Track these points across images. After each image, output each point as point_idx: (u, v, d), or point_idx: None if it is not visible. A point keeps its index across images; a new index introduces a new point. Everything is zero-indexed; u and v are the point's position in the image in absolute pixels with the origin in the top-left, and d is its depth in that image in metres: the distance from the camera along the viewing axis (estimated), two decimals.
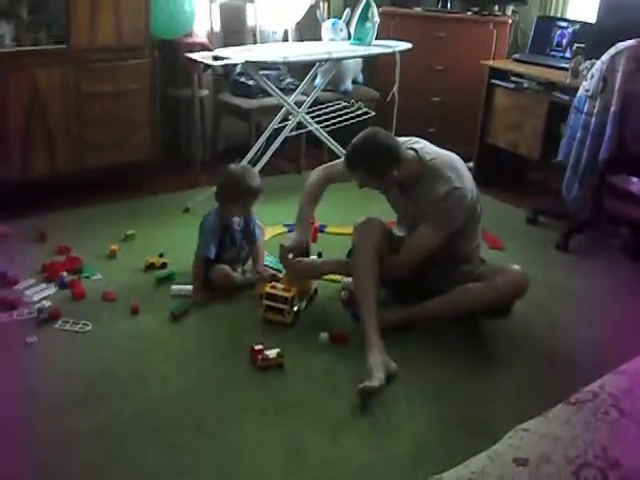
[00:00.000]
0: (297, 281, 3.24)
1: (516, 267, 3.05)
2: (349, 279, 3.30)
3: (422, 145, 3.13)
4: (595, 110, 3.80)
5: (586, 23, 4.87)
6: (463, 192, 3.01)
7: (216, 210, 3.45)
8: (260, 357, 2.82)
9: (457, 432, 2.57)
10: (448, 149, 3.22)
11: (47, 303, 3.15)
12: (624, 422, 1.77)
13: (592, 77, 3.84)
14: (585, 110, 3.86)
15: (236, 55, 4.04)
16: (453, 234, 3.06)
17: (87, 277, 3.46)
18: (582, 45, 4.50)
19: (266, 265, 3.57)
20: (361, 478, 2.32)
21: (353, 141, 3.04)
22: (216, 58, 4.01)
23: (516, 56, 5.08)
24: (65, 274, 3.41)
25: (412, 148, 3.09)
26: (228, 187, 3.39)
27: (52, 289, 3.32)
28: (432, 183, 3.01)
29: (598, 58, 3.95)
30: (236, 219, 3.47)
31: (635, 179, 4.60)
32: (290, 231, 3.88)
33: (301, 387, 2.76)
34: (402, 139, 3.14)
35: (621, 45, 3.72)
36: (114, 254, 3.70)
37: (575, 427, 1.77)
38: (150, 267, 3.58)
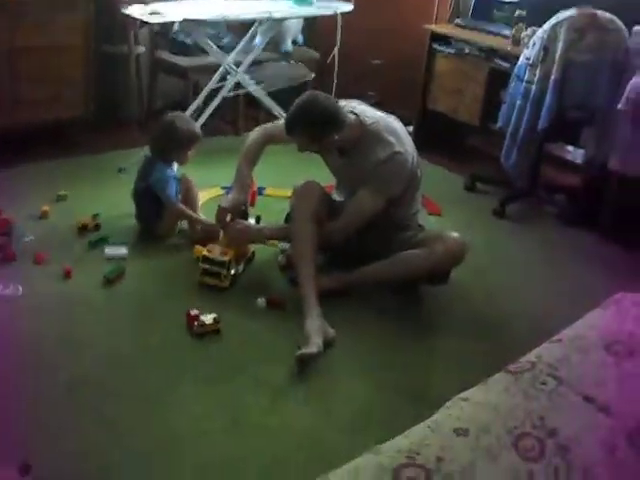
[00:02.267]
0: (235, 245, 3.18)
1: (454, 234, 3.05)
2: (287, 244, 3.27)
3: (363, 109, 3.10)
4: (535, 78, 3.80)
5: None
6: (404, 156, 2.99)
7: (155, 160, 3.44)
8: (196, 323, 2.78)
9: (395, 398, 2.57)
10: (388, 112, 3.19)
11: None
12: (561, 390, 1.79)
13: (533, 45, 3.84)
14: (526, 78, 3.87)
15: (174, 11, 3.93)
16: (393, 200, 3.04)
17: (17, 239, 3.34)
18: (523, 12, 4.50)
19: None
20: (301, 444, 2.31)
21: (293, 104, 2.98)
22: (153, 14, 3.89)
23: (458, 21, 5.05)
24: None
25: (352, 112, 3.05)
26: (167, 136, 3.40)
27: None
28: (373, 147, 2.98)
29: (539, 26, 3.96)
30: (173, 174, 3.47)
31: (571, 147, 4.65)
32: (228, 193, 3.82)
33: (239, 353, 2.74)
34: (342, 102, 3.09)
35: (562, 14, 3.73)
36: (46, 215, 3.59)
37: (514, 396, 1.78)
38: (83, 229, 3.48)
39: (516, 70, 3.99)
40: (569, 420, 1.67)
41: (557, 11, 3.80)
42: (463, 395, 1.83)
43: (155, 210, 3.45)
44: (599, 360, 1.93)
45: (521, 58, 3.96)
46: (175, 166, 3.51)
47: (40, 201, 3.68)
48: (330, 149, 3.06)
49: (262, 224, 3.46)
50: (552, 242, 3.98)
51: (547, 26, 3.77)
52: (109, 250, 3.29)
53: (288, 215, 3.24)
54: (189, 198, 3.54)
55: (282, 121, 3.25)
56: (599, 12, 3.66)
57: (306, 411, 2.47)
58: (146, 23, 4.43)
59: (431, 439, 1.62)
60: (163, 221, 3.46)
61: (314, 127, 2.93)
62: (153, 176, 3.41)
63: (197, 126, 3.46)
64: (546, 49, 3.74)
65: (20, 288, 2.97)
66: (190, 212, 3.46)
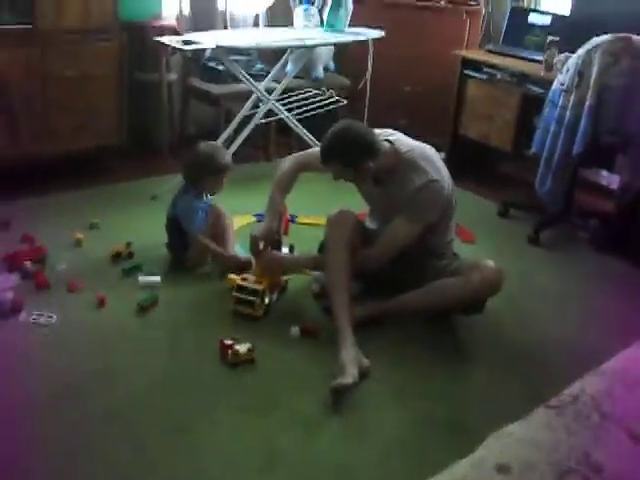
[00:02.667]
0: (269, 275, 3.17)
1: (491, 263, 3.02)
2: (320, 272, 3.25)
3: (397, 137, 3.09)
4: (570, 104, 3.77)
5: (560, 15, 4.85)
6: (440, 184, 2.97)
7: (185, 190, 3.45)
8: (230, 352, 2.76)
9: (430, 431, 2.53)
10: (419, 139, 3.18)
11: (10, 294, 3.05)
12: (606, 425, 1.76)
13: (567, 71, 3.82)
14: (560, 104, 3.83)
15: (206, 39, 3.96)
16: (428, 227, 3.02)
17: (51, 267, 3.36)
18: (556, 38, 4.48)
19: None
20: (336, 478, 2.28)
21: (328, 133, 2.98)
22: (186, 42, 3.92)
23: (489, 47, 5.05)
24: (29, 264, 3.30)
25: (387, 140, 3.04)
26: (199, 164, 3.41)
27: (15, 279, 3.21)
28: (408, 175, 2.97)
29: (572, 51, 3.94)
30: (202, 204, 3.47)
31: (605, 173, 4.61)
32: (260, 221, 3.82)
33: (273, 383, 2.71)
34: (377, 131, 3.09)
35: (597, 39, 3.70)
36: (79, 243, 3.61)
37: (557, 432, 1.74)
38: (117, 257, 3.49)
39: (550, 95, 3.96)
40: (615, 457, 1.64)
41: (590, 36, 3.78)
42: (504, 430, 1.80)
43: (183, 240, 3.45)
44: None
45: (555, 83, 3.93)
46: (207, 197, 3.50)
47: (73, 229, 3.70)
48: (365, 177, 3.04)
49: (295, 253, 3.45)
50: (586, 269, 3.92)
51: (582, 51, 3.74)
52: (143, 278, 3.29)
53: (322, 244, 3.22)
54: (218, 229, 3.52)
55: (315, 149, 3.25)
56: (634, 37, 3.63)
57: (341, 444, 2.43)
58: (178, 50, 4.47)
59: (473, 476, 1.59)
60: (190, 252, 3.45)
61: (349, 155, 2.92)
62: (178, 206, 3.42)
63: (229, 155, 3.46)
64: (581, 74, 3.71)
65: (54, 316, 2.98)
66: (213, 246, 3.44)
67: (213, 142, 3.63)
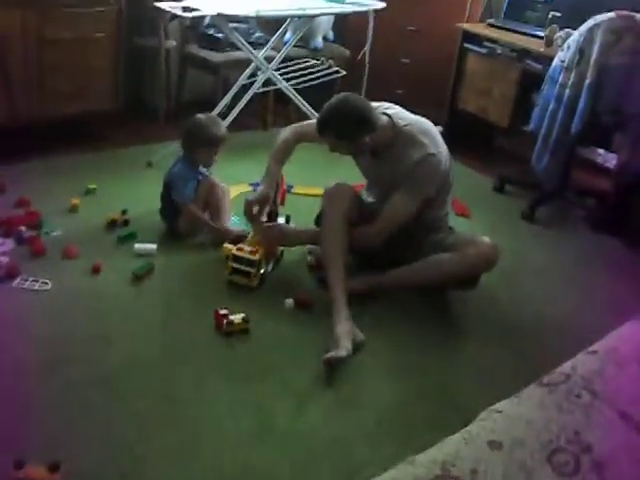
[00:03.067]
0: (269, 244, 3.18)
1: (486, 239, 3.02)
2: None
3: (396, 111, 3.08)
4: (570, 81, 3.76)
5: None
6: (438, 158, 2.97)
7: (182, 158, 3.44)
8: (225, 322, 2.77)
9: (423, 405, 2.55)
10: (416, 112, 3.17)
11: (4, 259, 3.04)
12: (596, 405, 1.77)
13: (568, 48, 3.80)
14: (559, 81, 3.82)
15: (206, 6, 3.92)
16: (426, 202, 3.02)
17: (47, 233, 3.35)
18: (557, 13, 4.45)
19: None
20: (328, 450, 2.30)
21: (325, 105, 2.96)
22: (185, 9, 3.89)
23: (490, 21, 5.02)
24: (24, 229, 3.30)
25: (385, 113, 3.03)
26: (193, 135, 3.39)
27: (10, 244, 3.21)
28: (406, 149, 2.96)
29: (573, 28, 3.91)
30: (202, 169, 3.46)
31: (603, 151, 4.60)
32: (256, 189, 3.82)
33: (267, 354, 2.72)
34: (375, 104, 3.07)
35: (599, 17, 3.67)
36: (75, 209, 3.60)
37: (548, 410, 1.76)
38: (112, 224, 3.48)
39: (550, 72, 3.94)
40: (605, 436, 1.65)
41: (592, 13, 3.76)
42: (496, 407, 1.82)
43: (174, 208, 3.44)
44: (635, 375, 1.90)
45: (555, 60, 3.91)
46: (202, 168, 3.49)
47: (70, 194, 3.70)
48: (362, 151, 3.04)
49: (292, 223, 3.44)
50: (581, 247, 3.94)
51: (584, 28, 3.72)
52: (138, 246, 3.29)
53: (318, 216, 3.22)
54: (212, 199, 3.51)
55: (313, 120, 3.24)
56: (638, 15, 3.60)
57: (333, 417, 2.45)
58: (176, 16, 4.43)
59: (465, 451, 1.61)
60: (181, 220, 3.45)
61: (346, 128, 2.91)
62: (172, 172, 3.43)
63: (224, 128, 3.45)
64: (582, 52, 3.70)
65: (49, 283, 2.98)
66: (203, 217, 3.45)
67: (210, 114, 3.60)
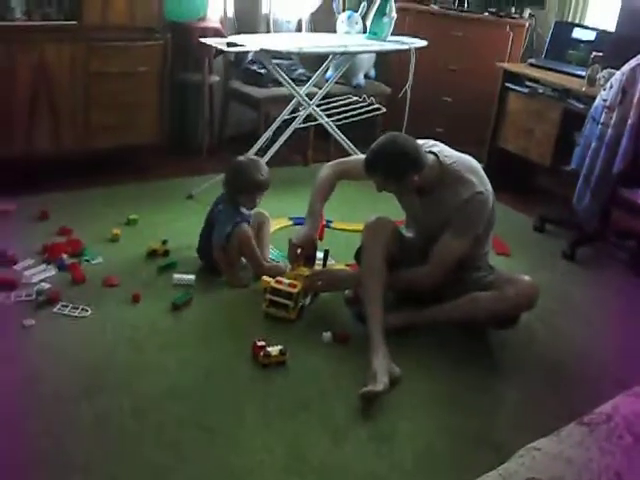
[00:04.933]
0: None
1: (527, 278, 3.00)
2: None
3: (440, 148, 3.07)
4: (612, 121, 3.74)
5: (605, 31, 4.83)
6: (486, 196, 2.97)
7: (224, 198, 3.42)
8: (262, 354, 2.77)
9: (460, 442, 2.52)
10: (458, 150, 3.15)
11: (46, 285, 3.10)
12: (639, 448, 1.73)
13: (611, 87, 3.78)
14: (602, 120, 3.80)
15: (250, 42, 3.98)
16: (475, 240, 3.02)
17: (87, 260, 3.40)
18: (600, 53, 4.44)
19: (272, 259, 3.54)
20: None
21: (373, 145, 2.97)
22: (230, 44, 3.95)
23: (531, 60, 5.02)
24: (65, 256, 3.35)
25: (431, 151, 3.03)
26: (236, 179, 3.37)
27: (52, 271, 3.26)
28: (454, 187, 2.96)
29: (615, 67, 3.91)
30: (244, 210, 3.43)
31: None
32: (296, 224, 3.83)
33: (303, 387, 2.71)
34: (420, 141, 3.07)
35: None
36: (116, 238, 3.65)
37: (589, 450, 1.73)
38: (152, 254, 3.52)
39: (592, 111, 3.93)
40: None
41: (635, 53, 3.74)
42: (535, 444, 1.79)
43: (209, 246, 3.41)
44: None
45: (597, 100, 3.90)
46: (245, 210, 3.44)
47: (111, 224, 3.75)
48: (409, 190, 3.03)
49: (331, 259, 3.45)
50: (621, 289, 3.88)
51: (626, 68, 3.71)
52: (177, 276, 3.31)
53: (358, 251, 3.22)
54: (261, 234, 3.52)
55: (355, 157, 3.28)
56: None
57: (368, 452, 2.42)
58: (221, 52, 4.50)
59: None
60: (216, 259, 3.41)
61: (395, 168, 2.91)
62: (214, 212, 3.41)
63: (266, 172, 3.39)
64: (624, 91, 3.68)
65: (89, 310, 3.01)
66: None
67: (253, 157, 3.57)
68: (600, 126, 3.82)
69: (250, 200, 3.39)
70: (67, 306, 3.01)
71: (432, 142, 3.11)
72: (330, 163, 3.37)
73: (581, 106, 4.38)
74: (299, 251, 3.21)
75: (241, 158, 3.45)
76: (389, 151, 2.91)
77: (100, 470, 2.20)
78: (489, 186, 3.03)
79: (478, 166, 3.07)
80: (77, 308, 3.01)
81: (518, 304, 2.97)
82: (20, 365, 2.65)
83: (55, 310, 2.98)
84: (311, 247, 3.25)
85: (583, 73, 4.55)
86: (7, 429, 2.32)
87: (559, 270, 4.00)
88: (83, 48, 4.10)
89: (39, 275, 3.21)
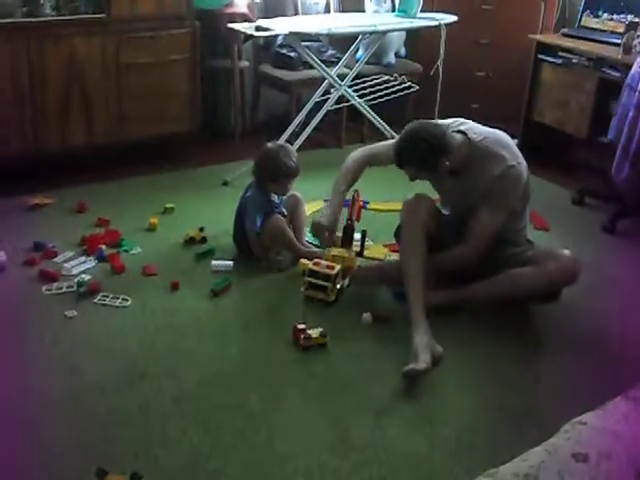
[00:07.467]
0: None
1: (567, 252, 2.96)
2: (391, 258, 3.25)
3: (469, 126, 3.03)
4: None
5: None
6: (518, 169, 2.93)
7: (254, 185, 3.41)
8: (303, 336, 2.77)
9: (502, 420, 2.50)
10: (492, 126, 3.12)
11: (86, 276, 3.13)
12: None
13: None
14: (639, 88, 3.72)
15: (279, 26, 3.96)
16: (511, 214, 2.99)
17: (126, 251, 3.43)
18: (635, 19, 4.35)
19: (308, 242, 3.54)
20: (405, 464, 2.27)
21: (398, 140, 2.97)
22: (258, 29, 3.94)
23: (564, 30, 4.94)
24: (104, 247, 3.38)
25: (459, 130, 2.99)
26: (265, 167, 3.36)
27: (91, 262, 3.30)
28: (485, 164, 2.92)
29: None
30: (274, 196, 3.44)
31: None
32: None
33: (345, 368, 2.72)
34: (447, 121, 3.04)
35: None
36: (154, 227, 3.67)
37: (636, 424, 1.71)
38: (190, 241, 3.54)
39: (628, 80, 3.84)
40: None
41: None
42: (580, 419, 1.77)
43: (244, 234, 3.42)
44: None
45: (634, 67, 3.81)
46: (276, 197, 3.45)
47: (148, 214, 3.77)
48: (442, 174, 3.00)
49: (368, 240, 3.45)
50: None
51: None
52: (215, 263, 3.32)
53: (398, 228, 3.20)
54: (295, 216, 3.52)
55: (385, 143, 3.27)
56: None
57: (412, 430, 2.42)
58: (250, 37, 4.49)
59: (549, 463, 1.57)
60: (252, 246, 3.42)
61: (425, 159, 2.90)
62: (244, 199, 3.42)
63: (295, 159, 3.36)
64: None
65: (129, 299, 3.03)
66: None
67: (281, 143, 3.55)
68: (637, 94, 3.73)
69: (281, 187, 3.38)
70: (107, 296, 3.04)
71: (460, 120, 3.08)
72: (361, 148, 3.36)
73: (617, 75, 4.30)
74: (327, 234, 3.22)
75: (270, 145, 3.43)
76: (416, 144, 2.89)
77: (145, 457, 2.22)
78: (522, 159, 2.99)
79: (509, 140, 3.04)
80: (117, 298, 3.04)
81: (559, 279, 2.93)
82: (63, 355, 2.68)
83: (96, 301, 3.01)
84: (335, 229, 3.26)
85: (618, 41, 4.46)
86: (52, 419, 2.36)
87: (599, 243, 3.94)
88: (113, 40, 4.12)
89: (79, 267, 3.25)
